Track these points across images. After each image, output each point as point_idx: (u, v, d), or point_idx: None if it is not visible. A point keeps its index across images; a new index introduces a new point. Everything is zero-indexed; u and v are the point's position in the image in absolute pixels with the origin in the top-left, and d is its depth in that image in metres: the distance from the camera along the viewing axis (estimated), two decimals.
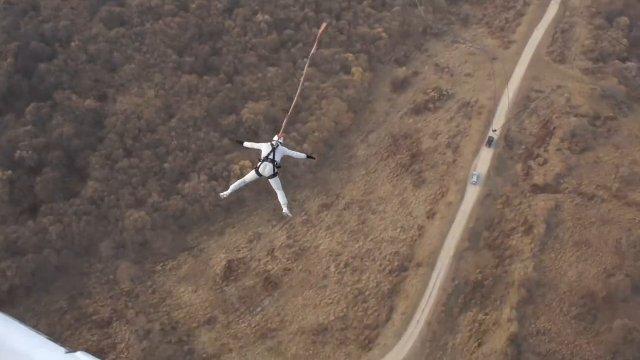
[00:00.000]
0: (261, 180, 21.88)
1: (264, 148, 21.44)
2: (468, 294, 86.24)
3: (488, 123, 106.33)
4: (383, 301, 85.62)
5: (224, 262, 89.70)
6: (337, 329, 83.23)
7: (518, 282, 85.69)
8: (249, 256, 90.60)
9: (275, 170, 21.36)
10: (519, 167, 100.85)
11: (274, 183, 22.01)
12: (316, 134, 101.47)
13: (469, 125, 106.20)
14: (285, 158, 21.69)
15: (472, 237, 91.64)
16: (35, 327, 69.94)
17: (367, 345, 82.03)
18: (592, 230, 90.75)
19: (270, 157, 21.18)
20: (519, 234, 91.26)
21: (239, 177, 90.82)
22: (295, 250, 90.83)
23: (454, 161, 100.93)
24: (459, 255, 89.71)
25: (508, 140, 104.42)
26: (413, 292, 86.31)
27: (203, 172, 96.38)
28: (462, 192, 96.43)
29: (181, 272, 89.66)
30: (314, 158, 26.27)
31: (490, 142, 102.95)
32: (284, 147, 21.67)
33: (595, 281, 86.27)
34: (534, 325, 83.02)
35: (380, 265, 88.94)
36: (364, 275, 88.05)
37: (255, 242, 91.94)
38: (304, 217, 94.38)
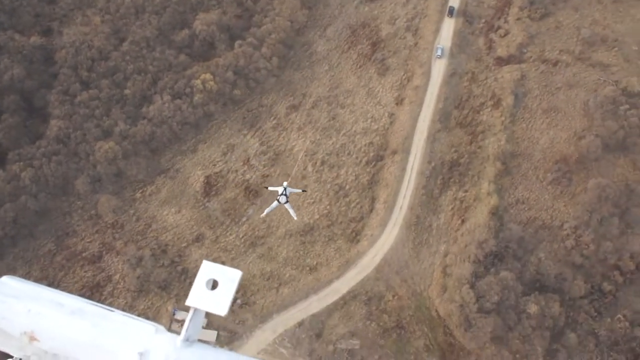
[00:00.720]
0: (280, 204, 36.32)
1: (280, 189, 36.48)
2: (446, 174, 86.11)
3: (444, 0, 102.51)
4: (364, 193, 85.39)
5: (202, 179, 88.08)
6: (323, 227, 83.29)
7: (493, 156, 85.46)
8: (226, 169, 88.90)
9: (287, 200, 36.43)
10: (481, 41, 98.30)
11: (287, 206, 37.05)
12: (273, 36, 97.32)
13: (425, 6, 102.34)
14: (290, 193, 36.44)
15: (442, 118, 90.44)
16: (28, 273, 68.28)
17: (354, 237, 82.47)
18: (560, 96, 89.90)
19: (284, 193, 36.19)
20: (489, 109, 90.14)
21: (202, 92, 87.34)
22: (270, 155, 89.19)
23: (416, 44, 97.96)
24: (432, 138, 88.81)
25: (467, 15, 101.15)
26: (392, 179, 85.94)
27: (165, 92, 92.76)
28: (427, 75, 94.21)
29: (161, 195, 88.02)
30: (305, 191, 55.13)
31: (451, 12, 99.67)
32: (290, 188, 36.70)
33: (567, 145, 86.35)
34: (512, 196, 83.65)
35: (357, 158, 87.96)
36: (341, 170, 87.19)
37: (229, 154, 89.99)
38: (273, 122, 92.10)
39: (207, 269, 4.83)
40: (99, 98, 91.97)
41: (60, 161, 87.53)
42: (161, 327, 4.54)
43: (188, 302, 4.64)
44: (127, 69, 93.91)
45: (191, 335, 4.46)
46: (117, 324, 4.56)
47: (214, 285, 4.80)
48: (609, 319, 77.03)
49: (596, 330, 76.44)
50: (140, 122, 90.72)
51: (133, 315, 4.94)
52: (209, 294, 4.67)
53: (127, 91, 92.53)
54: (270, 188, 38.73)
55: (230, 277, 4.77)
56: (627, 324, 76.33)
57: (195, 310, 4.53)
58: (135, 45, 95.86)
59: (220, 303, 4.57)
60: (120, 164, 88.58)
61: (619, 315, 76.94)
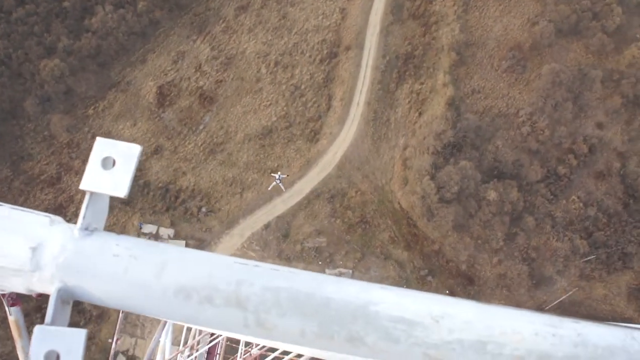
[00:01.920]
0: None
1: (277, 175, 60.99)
2: (401, 67, 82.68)
3: None
4: (320, 91, 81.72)
5: (154, 90, 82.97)
6: (281, 128, 79.98)
7: (447, 46, 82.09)
8: (178, 77, 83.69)
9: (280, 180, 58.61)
10: None
11: (281, 184, 59.03)
12: None
13: None
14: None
15: (394, 10, 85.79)
16: None
17: (314, 137, 79.61)
18: None
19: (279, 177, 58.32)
20: None
21: None
22: (222, 60, 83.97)
23: None
24: (385, 31, 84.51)
25: None
26: (347, 76, 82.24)
27: (107, 2, 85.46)
28: None
29: (114, 110, 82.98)
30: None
31: None
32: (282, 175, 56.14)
33: (520, 32, 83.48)
34: (468, 86, 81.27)
35: (310, 56, 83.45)
36: (296, 70, 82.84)
37: (180, 61, 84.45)
38: (223, 25, 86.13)
39: (102, 147, 3.88)
40: (36, 13, 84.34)
41: (4, 84, 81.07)
42: (58, 218, 3.75)
43: (82, 186, 3.76)
44: None
45: (91, 223, 3.69)
46: (1, 219, 3.71)
47: (112, 163, 3.85)
48: (564, 201, 77.46)
49: (552, 213, 76.88)
50: (84, 35, 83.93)
51: (23, 208, 4.06)
52: (106, 174, 3.77)
53: (66, 3, 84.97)
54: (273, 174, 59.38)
55: (128, 153, 3.85)
56: (581, 204, 76.92)
57: (92, 194, 3.69)
58: None
59: (119, 183, 3.74)
60: (69, 81, 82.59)
61: (574, 197, 77.36)
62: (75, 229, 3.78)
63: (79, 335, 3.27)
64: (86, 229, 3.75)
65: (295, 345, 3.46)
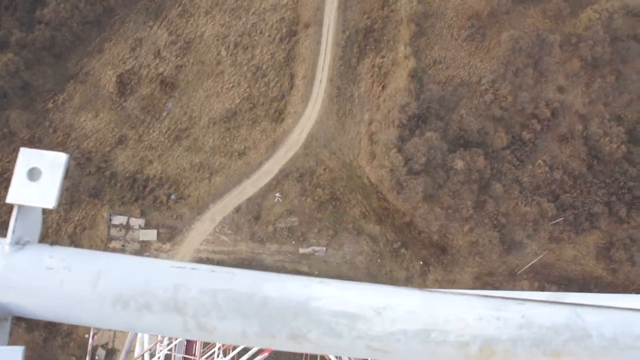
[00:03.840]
0: None
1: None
2: (361, 41, 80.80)
3: None
4: (282, 70, 79.39)
5: (114, 79, 79.83)
6: (245, 110, 77.65)
7: (406, 18, 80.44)
8: (137, 64, 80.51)
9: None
10: None
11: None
12: None
13: None
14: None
15: None
16: None
17: (278, 117, 77.51)
18: None
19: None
20: None
21: None
22: (181, 45, 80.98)
23: None
24: (343, 6, 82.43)
25: None
26: (308, 53, 79.97)
27: None
28: None
29: (75, 102, 79.68)
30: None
31: None
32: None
33: (478, 0, 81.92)
34: (429, 57, 79.87)
35: (270, 35, 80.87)
36: (256, 51, 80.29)
37: (138, 49, 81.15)
38: (179, 9, 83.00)
39: (27, 157, 3.71)
40: None
41: None
42: None
43: (8, 199, 3.60)
44: None
45: (22, 236, 3.58)
46: None
47: (38, 174, 3.70)
48: (530, 166, 76.98)
49: (519, 178, 76.36)
50: (37, 27, 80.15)
51: None
52: (33, 186, 3.65)
53: None
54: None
55: (54, 163, 3.73)
56: (546, 168, 76.56)
57: (20, 207, 3.60)
58: None
59: (46, 194, 3.61)
60: (25, 76, 78.91)
61: (539, 161, 76.92)
62: (5, 244, 3.56)
63: (16, 353, 3.16)
64: (17, 243, 3.56)
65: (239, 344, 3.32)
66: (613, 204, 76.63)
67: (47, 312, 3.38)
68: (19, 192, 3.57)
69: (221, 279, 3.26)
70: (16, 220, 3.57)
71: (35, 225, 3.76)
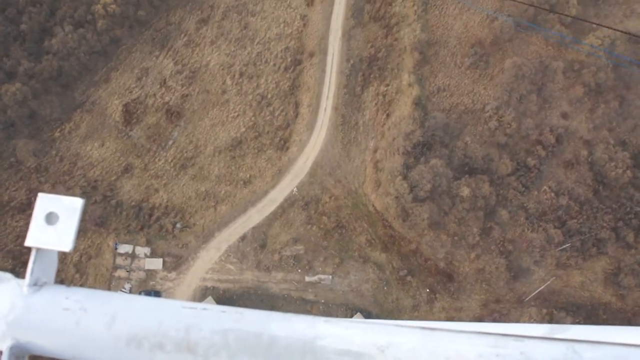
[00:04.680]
0: None
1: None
2: (365, 70, 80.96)
3: None
4: (287, 99, 79.51)
5: (120, 108, 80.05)
6: (251, 139, 77.61)
7: (410, 46, 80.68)
8: (143, 94, 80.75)
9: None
10: None
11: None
12: None
13: None
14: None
15: (355, 14, 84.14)
16: None
17: (283, 145, 77.39)
18: None
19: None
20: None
21: (105, 17, 77.81)
22: (186, 74, 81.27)
23: None
24: (347, 35, 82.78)
25: None
26: (313, 82, 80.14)
27: (66, 22, 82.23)
28: None
29: (81, 131, 79.80)
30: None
31: None
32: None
33: (481, 28, 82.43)
34: (433, 84, 79.93)
35: (274, 65, 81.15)
36: (261, 80, 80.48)
37: (144, 78, 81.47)
38: (185, 39, 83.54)
39: (45, 202, 3.90)
40: None
41: None
42: (7, 275, 3.76)
43: (27, 243, 3.74)
44: (19, 2, 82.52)
45: (40, 278, 3.72)
46: None
47: (55, 219, 3.89)
48: (535, 192, 76.41)
49: (525, 204, 75.75)
50: (45, 57, 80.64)
51: None
52: (50, 230, 3.83)
53: (23, 26, 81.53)
54: None
55: (71, 207, 3.93)
56: (552, 194, 75.98)
57: (38, 250, 3.72)
58: None
59: (63, 237, 3.79)
60: (32, 105, 79.25)
61: (545, 187, 76.36)
62: (23, 285, 3.71)
63: None
64: (35, 284, 3.72)
65: None
66: (620, 229, 75.77)
67: (63, 351, 3.47)
68: (37, 235, 3.72)
69: (231, 319, 3.37)
70: (34, 262, 3.71)
71: (52, 267, 3.89)
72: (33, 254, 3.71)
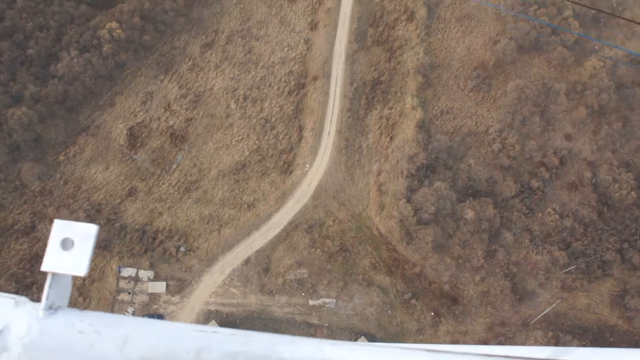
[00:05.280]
0: None
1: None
2: (369, 93, 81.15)
3: None
4: (291, 123, 79.65)
5: (125, 132, 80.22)
6: (255, 162, 77.61)
7: (413, 70, 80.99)
8: (148, 117, 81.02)
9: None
10: None
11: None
12: None
13: None
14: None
15: (358, 38, 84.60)
16: None
17: (287, 168, 77.35)
18: (471, 2, 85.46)
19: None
20: (403, 23, 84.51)
21: (110, 42, 78.63)
22: (191, 98, 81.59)
23: None
24: (350, 59, 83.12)
25: None
26: (316, 106, 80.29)
27: (72, 47, 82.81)
28: None
29: (86, 154, 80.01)
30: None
31: None
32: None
33: (483, 51, 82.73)
34: (437, 107, 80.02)
35: (278, 88, 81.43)
36: (265, 103, 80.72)
37: (149, 102, 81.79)
38: (189, 63, 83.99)
39: (60, 229, 4.07)
40: (0, 62, 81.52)
41: None
42: (22, 299, 4.01)
43: (43, 267, 3.96)
44: (26, 27, 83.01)
45: (55, 302, 3.97)
46: None
47: (71, 244, 4.07)
48: (540, 214, 76.04)
49: (529, 226, 75.41)
50: (51, 81, 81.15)
51: None
52: (65, 255, 4.02)
53: (30, 51, 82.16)
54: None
55: (86, 233, 4.05)
56: (556, 216, 75.63)
57: (54, 274, 3.95)
58: (30, 1, 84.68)
59: (78, 263, 4.00)
60: (38, 129, 79.68)
61: (549, 209, 76.04)
62: (39, 308, 3.81)
63: None
64: (50, 307, 3.81)
65: None
66: (625, 251, 75.27)
67: None
68: (53, 260, 3.87)
69: (240, 342, 3.44)
70: (50, 287, 3.83)
71: (66, 291, 4.03)
72: (49, 278, 3.86)
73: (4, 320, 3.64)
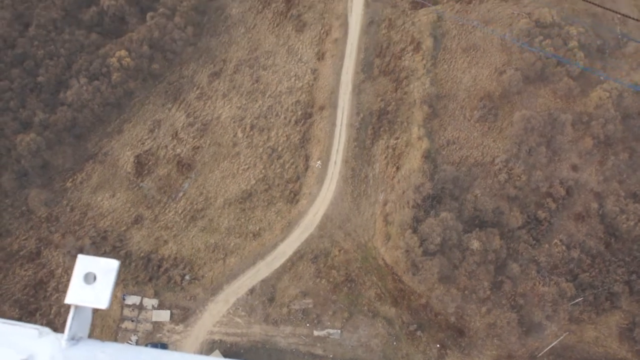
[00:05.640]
0: None
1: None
2: (375, 123, 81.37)
3: None
4: (297, 152, 79.80)
5: (132, 159, 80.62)
6: (261, 191, 77.63)
7: (419, 100, 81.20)
8: (155, 145, 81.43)
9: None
10: None
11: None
12: (184, 3, 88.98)
13: None
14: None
15: (365, 68, 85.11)
16: None
17: (293, 198, 77.32)
18: (477, 33, 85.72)
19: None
20: (410, 54, 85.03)
21: (119, 70, 79.65)
22: (198, 127, 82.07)
23: None
24: (357, 89, 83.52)
25: None
26: (323, 135, 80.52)
27: (81, 75, 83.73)
28: (345, 26, 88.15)
29: (93, 181, 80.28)
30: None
31: None
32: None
33: (489, 82, 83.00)
34: (443, 137, 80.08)
35: (285, 118, 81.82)
36: (272, 133, 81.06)
37: (156, 130, 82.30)
38: (197, 92, 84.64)
39: (83, 263, 4.41)
40: (11, 89, 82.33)
41: None
42: (45, 329, 4.11)
43: (67, 300, 4.24)
44: (37, 54, 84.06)
45: (76, 333, 4.15)
46: None
47: (93, 278, 4.36)
48: (546, 245, 75.49)
49: (536, 258, 74.83)
50: (60, 108, 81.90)
51: (13, 321, 4.29)
52: (88, 289, 4.29)
53: (40, 78, 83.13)
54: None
55: (107, 268, 4.37)
56: (563, 247, 75.05)
57: (77, 307, 4.20)
58: (42, 29, 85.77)
59: (100, 296, 4.27)
60: (46, 155, 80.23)
61: (556, 240, 75.53)
62: (62, 339, 3.95)
63: None
64: (72, 338, 3.93)
65: None
66: (634, 282, 74.42)
67: None
68: (76, 294, 4.02)
69: None
70: (73, 318, 3.96)
71: (87, 323, 4.13)
72: (72, 310, 3.98)
73: (28, 351, 3.70)
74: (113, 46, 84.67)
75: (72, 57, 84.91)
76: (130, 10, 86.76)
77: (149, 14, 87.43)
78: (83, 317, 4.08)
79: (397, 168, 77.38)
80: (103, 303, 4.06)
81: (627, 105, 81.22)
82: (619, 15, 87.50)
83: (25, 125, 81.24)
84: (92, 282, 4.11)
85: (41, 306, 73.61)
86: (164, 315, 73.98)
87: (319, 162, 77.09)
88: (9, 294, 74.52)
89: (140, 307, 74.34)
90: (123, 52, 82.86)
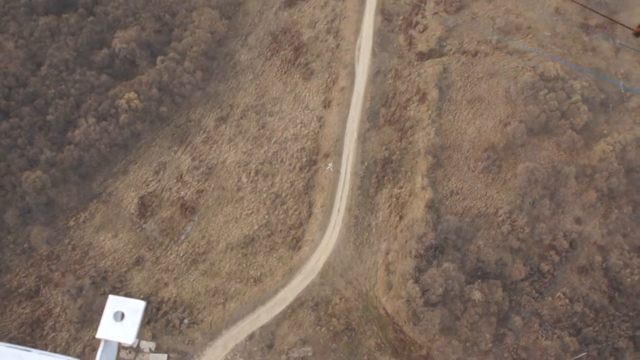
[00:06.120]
0: None
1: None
2: (379, 172, 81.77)
3: (362, 0, 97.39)
4: (301, 199, 79.97)
5: (136, 200, 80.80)
6: (263, 237, 77.52)
7: (424, 150, 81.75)
8: (160, 187, 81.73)
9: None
10: (401, 38, 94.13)
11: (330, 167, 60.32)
12: (194, 48, 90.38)
13: (344, 7, 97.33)
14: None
15: (371, 117, 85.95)
16: None
17: (296, 244, 77.14)
18: (482, 85, 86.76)
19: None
20: (415, 104, 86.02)
21: (127, 112, 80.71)
22: (203, 170, 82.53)
23: (338, 46, 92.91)
24: (362, 137, 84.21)
25: (385, 13, 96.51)
26: (327, 183, 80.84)
27: (90, 115, 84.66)
28: (352, 75, 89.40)
29: (96, 221, 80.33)
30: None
31: None
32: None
33: (493, 133, 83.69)
34: (446, 188, 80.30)
35: (290, 164, 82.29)
36: (276, 179, 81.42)
37: (161, 172, 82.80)
38: (203, 136, 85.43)
39: (114, 303, 5.75)
40: (20, 127, 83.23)
41: None
42: None
43: (98, 335, 5.39)
44: (47, 93, 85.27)
45: None
46: None
47: (121, 316, 5.77)
48: (550, 298, 74.79)
49: (539, 311, 74.07)
50: (67, 147, 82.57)
51: (50, 353, 5.55)
52: (117, 326, 5.70)
53: (49, 117, 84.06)
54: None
55: (135, 308, 5.71)
56: (567, 300, 74.39)
57: (106, 341, 5.39)
58: (53, 69, 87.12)
59: (127, 333, 5.51)
60: (50, 193, 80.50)
61: (559, 293, 74.88)
62: None
63: None
64: None
65: None
66: (638, 338, 73.42)
67: None
68: (106, 329, 5.17)
69: None
70: (102, 351, 5.21)
71: (113, 357, 5.08)
72: (102, 345, 4.83)
73: None
74: (123, 88, 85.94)
75: (81, 97, 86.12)
76: (141, 54, 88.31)
77: (159, 58, 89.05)
78: (110, 351, 4.79)
79: (400, 217, 77.39)
80: (130, 339, 4.65)
81: (630, 159, 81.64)
82: (622, 70, 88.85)
83: (32, 162, 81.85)
84: (120, 319, 4.66)
85: (37, 345, 72.76)
86: (161, 359, 73.09)
87: (330, 165, 77.63)
88: (5, 331, 73.86)
89: (137, 350, 73.45)
90: (132, 94, 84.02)
